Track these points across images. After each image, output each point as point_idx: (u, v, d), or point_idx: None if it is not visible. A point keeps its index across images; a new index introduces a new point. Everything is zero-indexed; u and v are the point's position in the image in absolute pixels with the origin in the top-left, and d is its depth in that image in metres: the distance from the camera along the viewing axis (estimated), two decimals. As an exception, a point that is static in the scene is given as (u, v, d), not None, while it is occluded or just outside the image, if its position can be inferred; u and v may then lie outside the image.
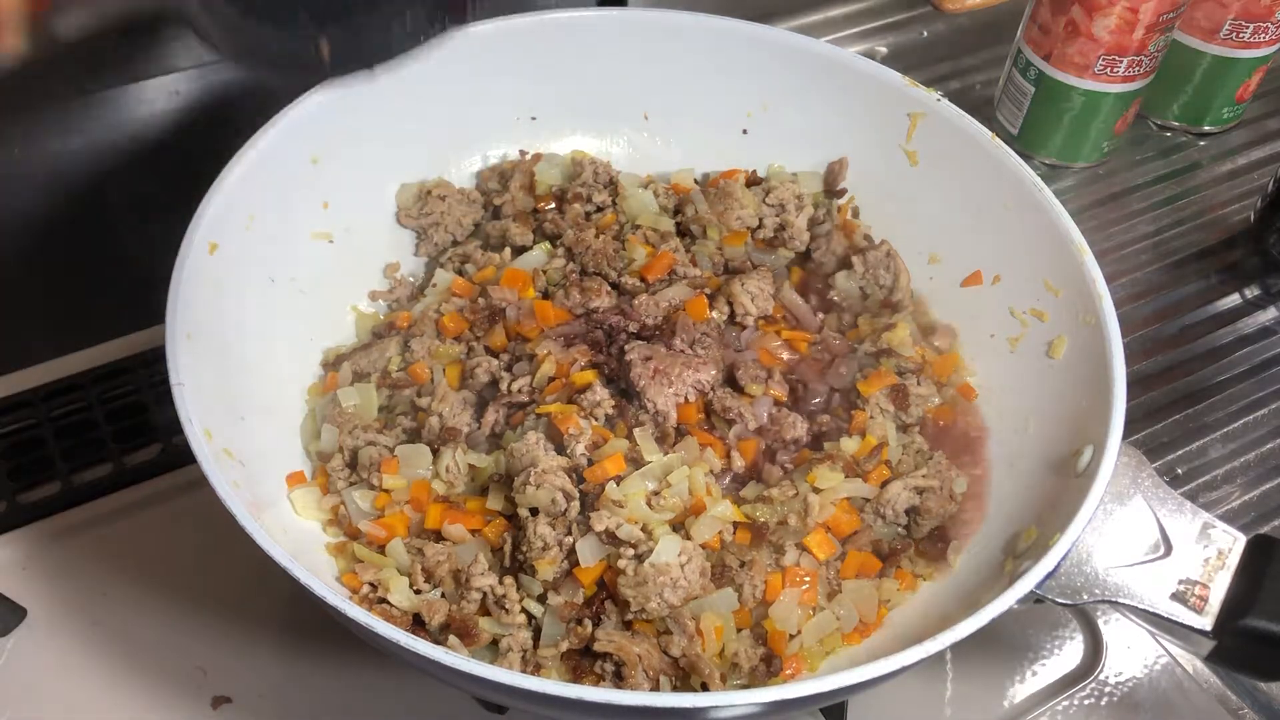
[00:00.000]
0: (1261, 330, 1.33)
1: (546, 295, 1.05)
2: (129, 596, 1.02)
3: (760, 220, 1.14)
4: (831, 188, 1.17)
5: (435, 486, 0.93)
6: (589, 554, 0.87)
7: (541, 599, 0.88)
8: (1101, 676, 1.04)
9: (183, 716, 0.96)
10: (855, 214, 1.18)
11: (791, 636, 0.88)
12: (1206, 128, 1.54)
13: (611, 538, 0.87)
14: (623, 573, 0.85)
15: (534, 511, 0.89)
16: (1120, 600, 0.83)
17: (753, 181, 1.17)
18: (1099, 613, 1.07)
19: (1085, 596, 0.83)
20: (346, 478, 0.95)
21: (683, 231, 1.13)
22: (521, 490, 0.88)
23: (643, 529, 0.87)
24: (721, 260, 1.12)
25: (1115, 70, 1.36)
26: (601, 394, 0.95)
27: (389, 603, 0.87)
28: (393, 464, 0.94)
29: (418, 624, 0.88)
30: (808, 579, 0.90)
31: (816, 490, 0.93)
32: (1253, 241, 1.40)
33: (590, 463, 0.91)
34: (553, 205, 1.14)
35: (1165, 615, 0.82)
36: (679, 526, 0.90)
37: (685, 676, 0.86)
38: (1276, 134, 1.57)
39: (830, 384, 1.02)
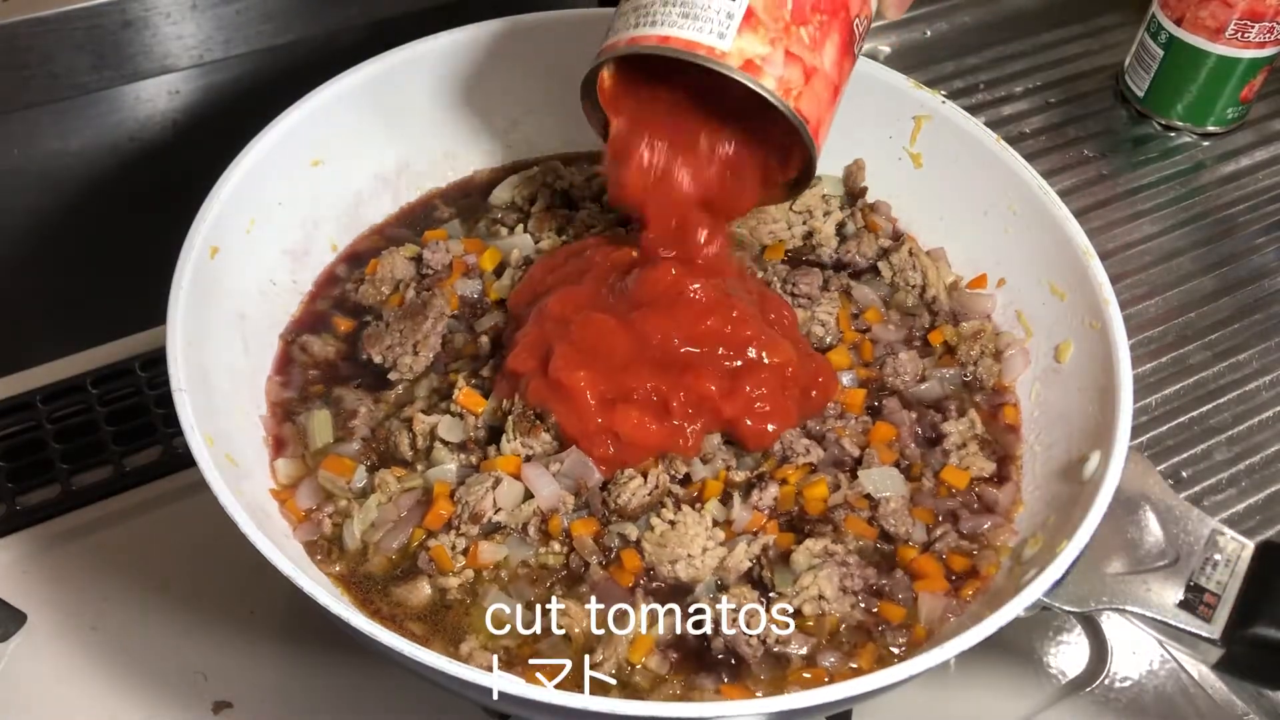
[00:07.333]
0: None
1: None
2: (129, 601, 1.02)
3: (789, 228, 1.11)
4: (853, 190, 1.14)
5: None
6: None
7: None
8: (1106, 681, 1.03)
9: (183, 722, 0.96)
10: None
11: None
12: (1211, 128, 1.53)
13: None
14: None
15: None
16: (1128, 608, 0.82)
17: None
18: (1103, 617, 1.07)
19: (1092, 604, 0.82)
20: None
21: None
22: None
23: None
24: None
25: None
26: None
27: (392, 609, 0.87)
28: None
29: (421, 631, 0.87)
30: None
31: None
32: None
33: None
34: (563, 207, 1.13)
35: (1173, 623, 0.82)
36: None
37: None
38: (1281, 134, 1.57)
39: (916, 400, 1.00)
